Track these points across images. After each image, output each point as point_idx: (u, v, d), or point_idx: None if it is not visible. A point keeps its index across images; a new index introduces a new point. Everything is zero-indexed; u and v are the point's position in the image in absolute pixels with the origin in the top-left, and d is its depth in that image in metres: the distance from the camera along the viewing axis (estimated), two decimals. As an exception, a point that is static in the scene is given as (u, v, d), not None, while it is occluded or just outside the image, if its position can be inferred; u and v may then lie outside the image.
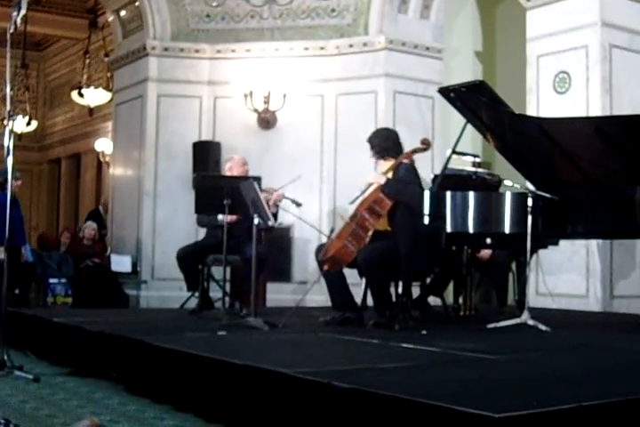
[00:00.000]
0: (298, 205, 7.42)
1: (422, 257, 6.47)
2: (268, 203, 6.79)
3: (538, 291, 8.93)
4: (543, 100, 9.51)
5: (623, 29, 9.24)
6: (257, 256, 6.52)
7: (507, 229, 6.59)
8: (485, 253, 8.15)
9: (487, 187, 7.26)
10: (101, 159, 17.72)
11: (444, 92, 7.26)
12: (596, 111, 8.94)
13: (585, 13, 9.17)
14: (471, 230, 6.68)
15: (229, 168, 8.07)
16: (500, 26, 12.33)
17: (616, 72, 9.12)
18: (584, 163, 6.57)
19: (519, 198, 6.50)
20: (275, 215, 7.43)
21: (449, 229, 6.66)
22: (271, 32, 11.81)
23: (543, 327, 6.21)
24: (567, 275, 8.96)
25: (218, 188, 7.11)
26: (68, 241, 13.28)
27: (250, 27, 11.87)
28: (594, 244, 8.88)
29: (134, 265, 11.81)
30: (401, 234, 6.36)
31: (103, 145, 17.07)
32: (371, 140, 6.86)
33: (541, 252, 8.15)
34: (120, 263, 11.82)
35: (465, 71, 11.79)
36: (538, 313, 6.57)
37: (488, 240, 7.36)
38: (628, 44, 9.25)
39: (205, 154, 11.39)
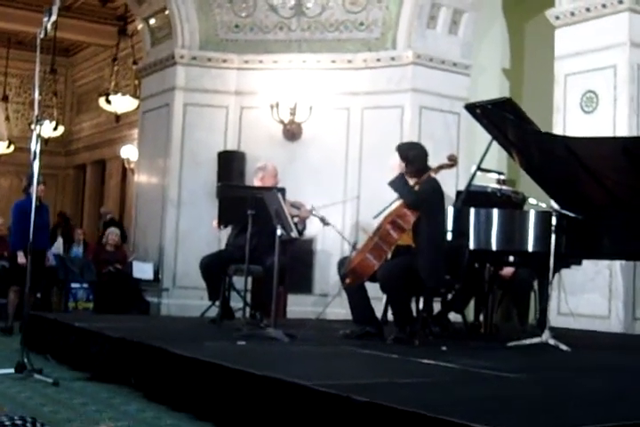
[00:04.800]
0: (326, 224, 7.41)
1: (443, 273, 6.46)
2: (293, 218, 6.79)
3: (560, 310, 8.89)
4: (570, 120, 9.49)
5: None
6: (278, 267, 6.52)
7: (530, 248, 6.57)
8: (508, 270, 8.12)
9: (511, 204, 7.24)
10: (126, 166, 17.81)
11: (471, 108, 7.25)
12: (623, 131, 8.92)
13: (614, 33, 9.16)
14: (494, 248, 6.67)
15: (261, 177, 8.06)
16: (529, 43, 12.33)
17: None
18: (610, 183, 6.54)
19: (543, 217, 6.48)
20: (301, 232, 7.44)
21: (472, 245, 6.64)
22: (299, 44, 11.84)
23: (564, 347, 6.18)
24: (589, 295, 8.93)
25: (241, 198, 7.14)
26: (82, 238, 13.42)
27: (278, 38, 11.91)
28: (617, 264, 8.84)
29: (156, 272, 11.85)
30: (423, 249, 6.35)
31: (129, 152, 17.14)
32: (406, 153, 6.70)
33: (564, 271, 8.10)
34: (142, 270, 11.86)
35: (492, 88, 11.79)
36: (559, 333, 6.54)
37: (511, 258, 7.34)
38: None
39: (230, 163, 11.43)
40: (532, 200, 6.83)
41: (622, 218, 6.48)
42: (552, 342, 6.27)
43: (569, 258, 7.27)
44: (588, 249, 6.68)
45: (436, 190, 6.51)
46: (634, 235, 6.40)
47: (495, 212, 6.65)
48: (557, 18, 9.70)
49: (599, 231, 6.55)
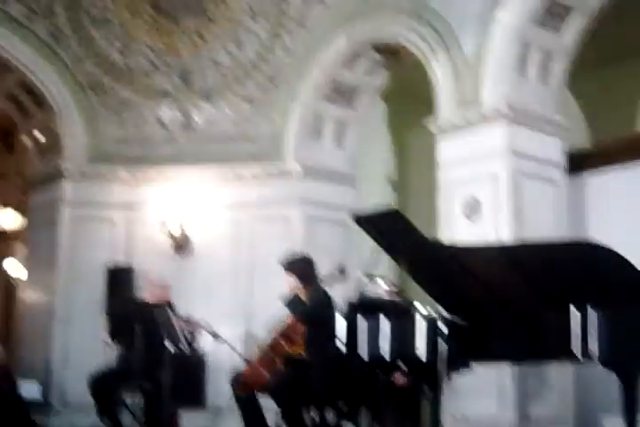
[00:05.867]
0: (215, 337, 7.37)
1: (335, 383, 6.45)
2: (184, 332, 6.76)
3: (453, 415, 8.87)
4: (455, 227, 9.67)
5: (530, 158, 9.52)
6: (169, 383, 6.44)
7: (419, 355, 6.58)
8: (400, 377, 8.09)
9: (400, 312, 7.27)
10: (12, 281, 17.39)
11: (358, 219, 7.33)
12: (505, 237, 9.12)
13: (493, 142, 9.46)
14: (386, 357, 6.66)
15: (151, 291, 8.00)
16: (413, 153, 12.62)
17: (525, 199, 9.35)
18: (497, 288, 6.65)
19: (430, 323, 6.52)
20: (192, 346, 7.36)
21: (364, 355, 6.63)
22: (187, 158, 11.89)
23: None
24: (481, 398, 8.94)
25: (131, 313, 7.07)
26: None
27: (166, 152, 11.96)
28: (507, 367, 8.89)
29: (44, 392, 11.45)
30: (314, 359, 6.35)
31: (12, 267, 16.75)
32: (293, 265, 6.87)
33: (455, 376, 8.11)
34: (29, 390, 11.44)
35: (379, 198, 12.00)
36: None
37: (402, 366, 7.33)
38: (535, 171, 9.52)
39: (119, 279, 11.27)
40: (419, 306, 6.87)
41: (508, 320, 6.57)
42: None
43: (458, 363, 7.30)
44: (476, 353, 6.73)
45: (324, 301, 6.57)
46: (520, 339, 6.48)
47: (384, 320, 6.66)
48: (438, 128, 9.99)
49: (487, 335, 6.62)
